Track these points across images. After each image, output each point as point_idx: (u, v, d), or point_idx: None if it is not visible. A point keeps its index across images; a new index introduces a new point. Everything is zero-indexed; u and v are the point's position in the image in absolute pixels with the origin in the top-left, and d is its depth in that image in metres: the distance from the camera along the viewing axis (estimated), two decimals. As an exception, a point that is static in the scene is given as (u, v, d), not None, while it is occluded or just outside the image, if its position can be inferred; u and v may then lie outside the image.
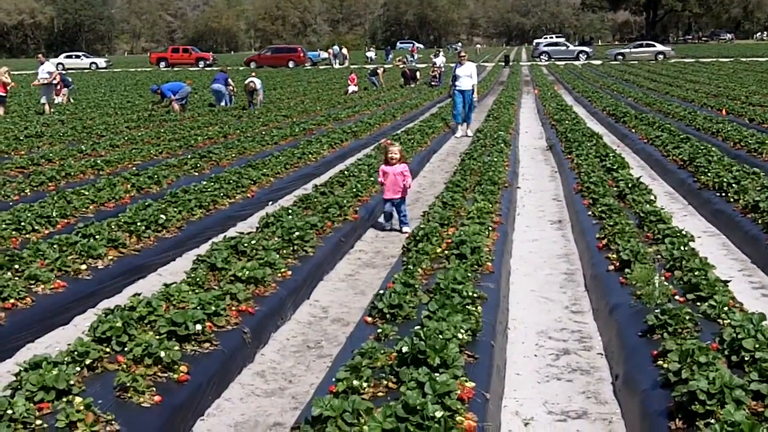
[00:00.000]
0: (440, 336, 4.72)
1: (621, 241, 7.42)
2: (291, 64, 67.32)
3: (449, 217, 8.60)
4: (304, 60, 69.00)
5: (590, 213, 9.41)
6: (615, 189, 10.50)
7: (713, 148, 13.39)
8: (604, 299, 6.55)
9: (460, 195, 9.99)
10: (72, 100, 30.49)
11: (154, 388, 4.64)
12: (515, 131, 19.63)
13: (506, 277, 7.59)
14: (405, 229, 9.96)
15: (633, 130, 18.59)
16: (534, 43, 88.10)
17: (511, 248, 8.87)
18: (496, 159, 12.90)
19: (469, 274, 6.44)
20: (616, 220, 8.25)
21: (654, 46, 69.91)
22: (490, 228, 8.32)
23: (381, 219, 10.47)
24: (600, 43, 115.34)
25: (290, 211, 9.29)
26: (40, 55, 28.87)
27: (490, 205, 9.18)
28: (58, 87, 29.19)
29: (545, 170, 14.93)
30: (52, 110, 25.21)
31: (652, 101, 25.16)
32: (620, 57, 66.99)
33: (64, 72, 32.83)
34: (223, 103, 27.21)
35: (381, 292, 6.15)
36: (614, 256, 7.25)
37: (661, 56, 65.77)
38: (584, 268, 8.08)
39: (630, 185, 10.35)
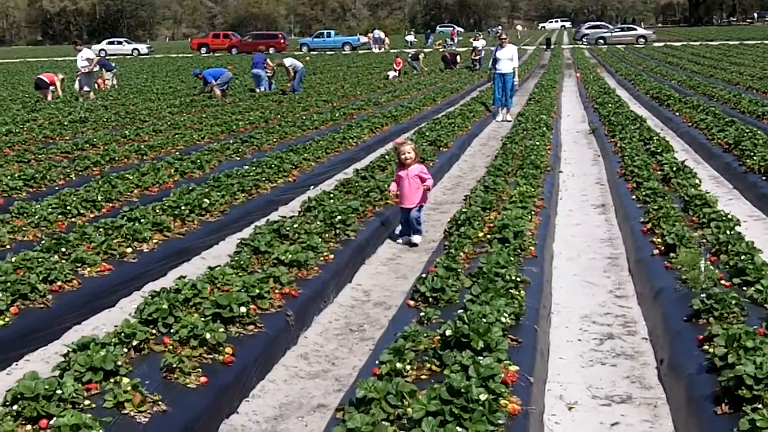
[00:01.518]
0: (484, 320, 4.72)
1: (666, 225, 7.35)
2: (272, 51, 67.73)
3: (491, 201, 8.57)
4: (284, 46, 69.24)
5: (634, 197, 9.32)
6: (659, 173, 10.38)
7: (759, 132, 13.16)
8: (649, 284, 6.49)
9: (502, 179, 9.93)
10: (117, 85, 30.82)
11: (200, 369, 4.70)
12: (557, 115, 19.47)
13: (549, 261, 7.56)
14: (415, 238, 8.75)
15: (677, 114, 18.34)
16: (576, 28, 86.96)
17: (553, 232, 8.81)
18: (538, 143, 12.82)
19: (512, 258, 6.42)
20: (661, 204, 8.17)
21: (635, 29, 68.79)
22: (533, 212, 8.28)
23: (397, 231, 9.12)
24: (643, 26, 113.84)
25: (332, 195, 9.31)
26: (76, 45, 28.76)
27: (533, 189, 9.13)
28: (104, 72, 29.59)
29: (588, 154, 14.80)
30: (94, 96, 25.48)
31: (696, 84, 24.79)
32: (601, 41, 66.25)
33: (106, 57, 33.09)
34: (263, 88, 27.34)
35: (423, 275, 6.15)
36: (659, 240, 7.18)
37: (642, 40, 64.87)
38: (628, 253, 8.01)
39: (674, 169, 10.23)
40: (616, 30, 70.18)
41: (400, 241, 8.86)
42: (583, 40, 69.65)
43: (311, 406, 5.00)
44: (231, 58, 49.79)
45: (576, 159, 14.24)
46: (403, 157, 8.48)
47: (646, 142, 13.01)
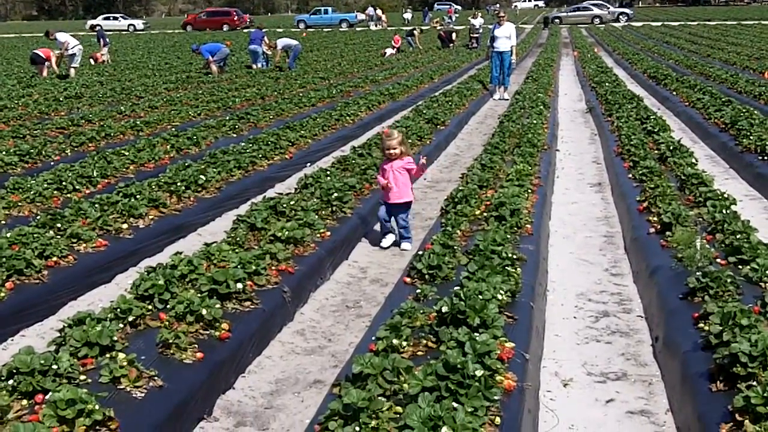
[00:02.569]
0: (480, 296, 4.72)
1: (662, 203, 7.35)
2: (225, 28, 67.46)
3: (488, 179, 8.56)
4: (237, 23, 68.99)
5: (631, 176, 9.32)
6: (656, 152, 10.37)
7: (755, 111, 13.15)
8: (645, 262, 6.50)
9: (499, 157, 9.91)
10: (110, 60, 30.68)
11: (196, 345, 4.71)
12: (554, 93, 19.43)
13: (545, 239, 7.56)
14: (405, 245, 7.89)
15: (674, 93, 18.31)
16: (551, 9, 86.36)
17: (550, 210, 8.82)
18: (535, 121, 12.79)
19: (509, 236, 6.42)
20: (657, 183, 8.16)
21: (591, 9, 68.51)
22: (530, 190, 8.27)
23: (377, 227, 8.29)
24: (641, 5, 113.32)
25: (328, 172, 9.29)
26: (48, 35, 27.04)
27: (530, 168, 9.12)
28: (101, 45, 29.50)
29: (585, 133, 14.78)
30: (76, 76, 24.94)
31: (694, 64, 24.73)
32: (557, 20, 66.22)
33: (103, 30, 32.78)
34: (259, 65, 27.22)
35: (420, 253, 6.16)
36: (655, 218, 7.18)
37: (597, 20, 64.89)
38: (624, 231, 8.02)
39: (671, 148, 10.21)
40: (570, 10, 70.29)
41: (385, 243, 7.95)
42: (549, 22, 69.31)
43: (307, 381, 5.02)
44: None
45: (573, 138, 14.22)
46: (388, 152, 7.77)
47: (643, 121, 12.98)
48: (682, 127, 15.01)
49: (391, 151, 7.73)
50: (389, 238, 7.95)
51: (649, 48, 34.57)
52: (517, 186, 8.08)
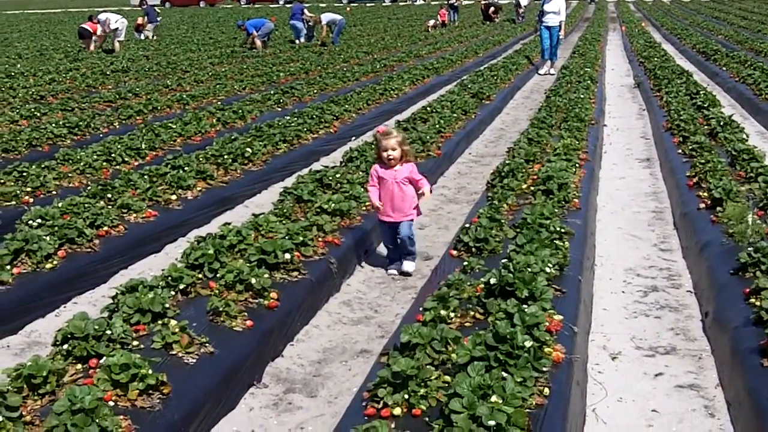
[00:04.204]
0: (528, 269, 4.70)
1: (712, 179, 7.24)
2: (202, 4, 66.88)
3: (535, 154, 8.50)
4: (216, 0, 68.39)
5: (680, 151, 9.20)
6: (706, 127, 10.21)
7: (809, 87, 12.88)
8: (694, 237, 6.42)
9: (546, 132, 9.83)
10: (156, 36, 30.88)
11: (246, 314, 4.76)
12: (601, 68, 19.19)
13: (593, 214, 7.50)
14: (406, 265, 6.32)
15: (724, 69, 17.99)
16: None
17: (597, 186, 8.74)
18: (582, 96, 12.67)
19: (556, 210, 6.39)
20: (707, 158, 8.04)
21: None
22: (577, 165, 8.20)
23: (382, 251, 6.71)
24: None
25: (373, 145, 9.28)
26: (91, 19, 27.04)
27: (577, 142, 9.04)
28: (145, 22, 29.67)
29: (633, 108, 14.60)
30: (122, 50, 25.07)
31: (744, 39, 24.25)
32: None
33: (151, 6, 32.88)
34: (302, 39, 27.21)
35: (467, 225, 6.14)
36: (705, 194, 7.09)
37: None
38: (673, 207, 7.93)
39: (721, 123, 10.05)
40: None
41: (392, 271, 6.41)
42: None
43: (354, 351, 5.05)
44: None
45: (620, 113, 14.05)
46: (385, 154, 6.11)
47: (693, 96, 12.78)
48: (731, 102, 14.75)
49: (389, 153, 6.07)
50: (408, 265, 6.38)
51: (698, 23, 33.98)
52: (565, 160, 8.02)
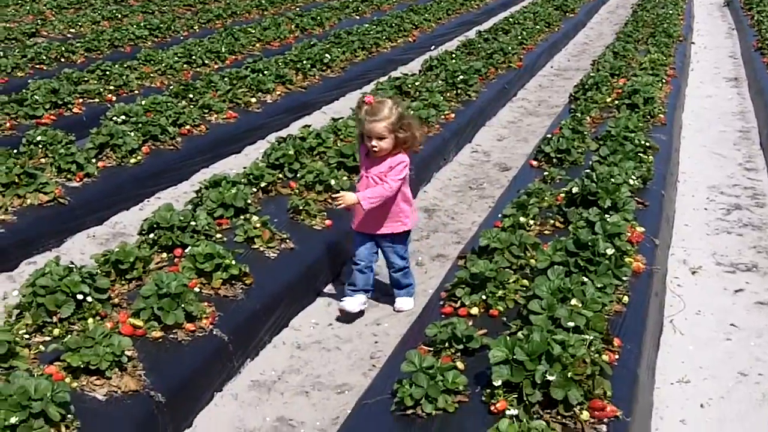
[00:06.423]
0: (611, 180, 4.62)
1: (806, 98, 6.99)
2: None
3: (620, 68, 8.28)
4: None
5: (770, 70, 8.88)
6: (800, 46, 9.82)
7: None
8: (783, 157, 6.24)
9: (632, 46, 9.56)
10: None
11: (325, 213, 4.80)
12: (690, -15, 18.49)
13: (678, 130, 7.31)
14: (401, 302, 4.33)
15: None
16: None
17: (683, 102, 8.50)
18: (671, 12, 12.25)
19: (641, 124, 6.24)
20: (801, 77, 7.75)
21: None
22: (663, 80, 7.98)
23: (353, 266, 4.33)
24: None
25: (454, 55, 9.16)
26: None
27: (664, 58, 8.78)
28: None
29: (722, 27, 14.09)
30: None
31: None
32: None
33: None
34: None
35: (549, 136, 6.05)
36: (797, 113, 6.85)
37: None
38: (760, 127, 7.69)
39: (817, 43, 9.64)
40: None
41: (348, 306, 4.16)
42: None
43: (431, 255, 5.07)
44: None
45: (709, 31, 13.57)
46: (369, 145, 4.04)
47: (787, 15, 12.26)
48: (828, 23, 14.10)
49: (374, 144, 3.99)
50: (354, 301, 4.19)
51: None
52: (651, 75, 7.80)
